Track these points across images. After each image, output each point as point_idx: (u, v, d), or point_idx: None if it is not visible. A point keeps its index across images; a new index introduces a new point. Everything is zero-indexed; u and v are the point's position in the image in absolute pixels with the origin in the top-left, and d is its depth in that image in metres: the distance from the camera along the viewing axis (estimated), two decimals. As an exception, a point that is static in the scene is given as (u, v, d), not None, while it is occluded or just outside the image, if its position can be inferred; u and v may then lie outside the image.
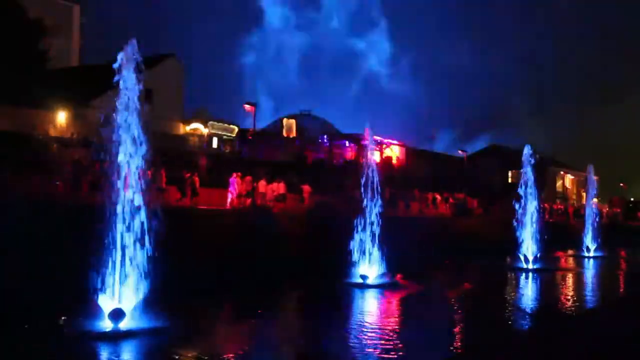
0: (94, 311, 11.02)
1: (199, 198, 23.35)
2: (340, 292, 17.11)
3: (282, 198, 26.57)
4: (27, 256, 14.21)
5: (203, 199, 23.63)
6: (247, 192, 25.38)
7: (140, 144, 11.54)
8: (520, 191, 25.08)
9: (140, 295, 11.29)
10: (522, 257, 24.65)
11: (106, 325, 10.90)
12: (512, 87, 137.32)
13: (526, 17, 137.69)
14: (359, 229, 18.69)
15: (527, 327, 13.84)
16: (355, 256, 18.51)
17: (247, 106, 47.42)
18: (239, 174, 25.23)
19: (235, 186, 24.90)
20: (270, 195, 26.26)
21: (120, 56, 11.69)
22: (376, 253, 18.55)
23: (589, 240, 33.55)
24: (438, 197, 38.47)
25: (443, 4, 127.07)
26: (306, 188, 28.27)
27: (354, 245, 18.63)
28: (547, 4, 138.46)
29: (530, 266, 24.23)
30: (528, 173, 25.25)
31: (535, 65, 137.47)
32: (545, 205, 47.84)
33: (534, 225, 24.98)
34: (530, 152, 25.42)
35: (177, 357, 9.89)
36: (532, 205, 24.99)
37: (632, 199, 77.56)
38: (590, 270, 27.76)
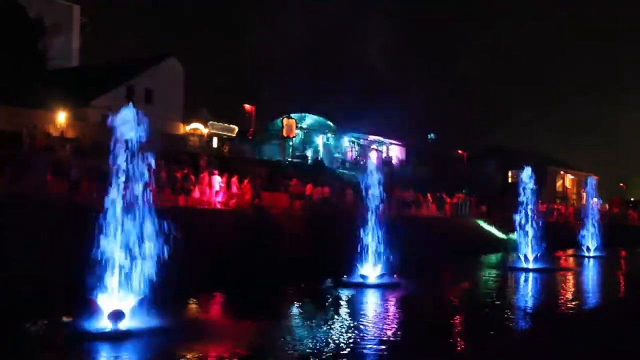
0: (94, 311, 11.01)
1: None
2: (340, 292, 17.10)
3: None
4: (27, 256, 14.22)
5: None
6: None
7: None
8: (520, 191, 25.16)
9: (140, 295, 11.28)
10: (522, 257, 24.65)
11: (106, 325, 10.89)
12: (512, 86, 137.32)
13: (526, 16, 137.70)
14: (359, 228, 18.68)
15: (527, 327, 13.84)
16: (355, 256, 18.51)
17: (247, 106, 47.40)
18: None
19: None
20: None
21: None
22: (376, 253, 18.53)
23: (589, 240, 33.56)
24: (447, 198, 38.52)
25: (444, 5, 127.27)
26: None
27: (354, 245, 18.63)
28: (547, 3, 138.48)
29: (531, 266, 24.23)
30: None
31: (535, 65, 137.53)
32: (547, 204, 47.91)
33: (534, 225, 25.00)
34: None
35: (177, 358, 9.89)
36: (531, 205, 25.02)
37: (632, 199, 77.50)
38: (590, 270, 27.77)
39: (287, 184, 29.05)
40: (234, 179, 24.58)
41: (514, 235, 28.77)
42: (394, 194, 32.87)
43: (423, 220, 32.23)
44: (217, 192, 23.64)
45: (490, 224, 37.33)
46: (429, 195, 36.79)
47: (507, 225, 33.33)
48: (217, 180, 23.84)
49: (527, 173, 25.42)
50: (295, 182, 28.97)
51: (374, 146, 53.57)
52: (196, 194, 22.97)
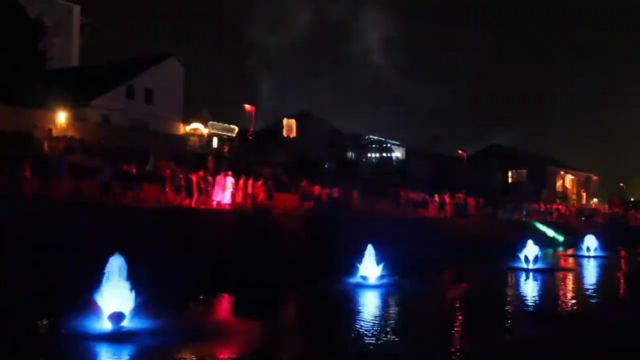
0: (95, 312, 11.00)
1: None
2: (340, 292, 17.10)
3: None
4: (27, 256, 14.23)
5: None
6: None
7: None
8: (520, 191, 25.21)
9: (141, 295, 11.28)
10: (522, 257, 24.63)
11: (106, 325, 10.89)
12: (512, 86, 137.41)
13: (527, 17, 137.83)
14: (359, 229, 18.67)
15: (527, 327, 13.83)
16: (356, 256, 18.49)
17: (247, 106, 47.43)
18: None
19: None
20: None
21: None
22: (376, 253, 18.51)
23: (589, 240, 33.53)
24: (447, 198, 38.50)
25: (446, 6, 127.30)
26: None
27: (354, 245, 18.61)
28: (550, 5, 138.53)
29: (531, 266, 24.21)
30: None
31: (535, 65, 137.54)
32: (547, 205, 47.90)
33: (534, 225, 25.01)
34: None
35: (177, 358, 9.89)
36: (531, 206, 25.05)
37: (632, 199, 77.52)
38: (590, 270, 27.76)
39: (298, 184, 29.48)
40: (252, 180, 24.90)
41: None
42: (403, 195, 33.07)
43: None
44: (232, 193, 23.83)
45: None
46: (436, 196, 36.80)
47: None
48: (231, 182, 23.99)
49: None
50: (306, 183, 29.31)
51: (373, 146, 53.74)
52: (214, 195, 23.25)
